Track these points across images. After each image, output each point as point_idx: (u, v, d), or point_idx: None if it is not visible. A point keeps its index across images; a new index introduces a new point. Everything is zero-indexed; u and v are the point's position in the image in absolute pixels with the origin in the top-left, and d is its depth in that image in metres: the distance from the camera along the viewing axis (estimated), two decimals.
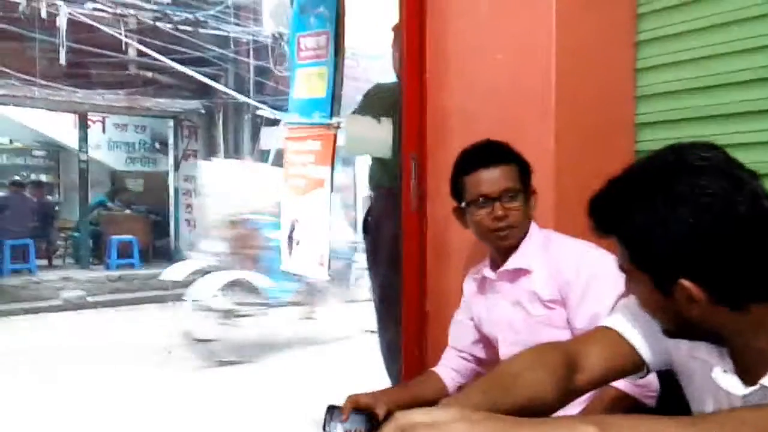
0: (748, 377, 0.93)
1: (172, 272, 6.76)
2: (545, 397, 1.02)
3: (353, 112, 2.95)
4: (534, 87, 1.95)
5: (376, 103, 2.85)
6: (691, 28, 1.87)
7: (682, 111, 1.90)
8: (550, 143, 1.90)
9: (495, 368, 1.11)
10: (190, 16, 9.34)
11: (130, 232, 10.09)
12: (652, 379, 1.41)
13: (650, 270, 0.93)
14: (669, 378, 1.18)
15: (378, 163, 2.93)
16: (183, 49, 9.24)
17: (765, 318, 0.90)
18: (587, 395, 1.30)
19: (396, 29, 2.61)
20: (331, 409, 1.51)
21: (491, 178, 1.63)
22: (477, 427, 0.75)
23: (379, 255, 2.96)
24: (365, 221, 3.09)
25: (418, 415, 0.78)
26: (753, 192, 0.87)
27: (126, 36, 9.04)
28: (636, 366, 1.11)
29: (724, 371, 0.96)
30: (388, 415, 1.50)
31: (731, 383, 0.95)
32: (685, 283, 0.89)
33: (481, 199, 1.64)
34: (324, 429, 1.49)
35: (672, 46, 1.93)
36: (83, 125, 9.88)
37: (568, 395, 1.06)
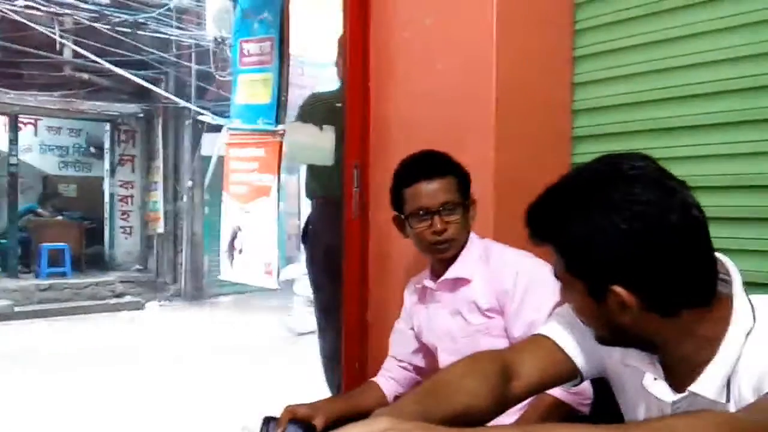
0: (677, 384, 0.95)
1: (286, 272, 7.21)
2: (480, 405, 1.01)
3: (293, 121, 2.92)
4: (475, 98, 1.98)
5: (311, 112, 2.84)
6: (627, 44, 1.93)
7: (618, 125, 1.95)
8: (490, 154, 1.93)
9: (430, 377, 1.10)
10: (130, 18, 9.07)
11: (62, 239, 9.66)
12: (587, 386, 1.44)
13: (584, 277, 0.94)
14: (603, 386, 1.19)
15: (315, 171, 2.91)
16: (122, 51, 8.93)
17: (694, 325, 0.92)
18: (523, 403, 1.31)
19: (342, 41, 2.60)
20: (268, 421, 1.47)
21: (430, 191, 1.63)
22: None
23: (319, 264, 2.93)
24: (305, 230, 3.07)
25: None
26: (684, 201, 0.90)
27: (61, 36, 8.70)
28: (570, 374, 1.12)
29: (655, 378, 0.98)
30: (327, 426, 1.47)
31: (661, 390, 0.97)
32: (618, 289, 0.90)
33: (420, 211, 1.64)
34: None
35: (608, 62, 1.98)
36: (14, 127, 9.46)
37: (503, 403, 1.06)
